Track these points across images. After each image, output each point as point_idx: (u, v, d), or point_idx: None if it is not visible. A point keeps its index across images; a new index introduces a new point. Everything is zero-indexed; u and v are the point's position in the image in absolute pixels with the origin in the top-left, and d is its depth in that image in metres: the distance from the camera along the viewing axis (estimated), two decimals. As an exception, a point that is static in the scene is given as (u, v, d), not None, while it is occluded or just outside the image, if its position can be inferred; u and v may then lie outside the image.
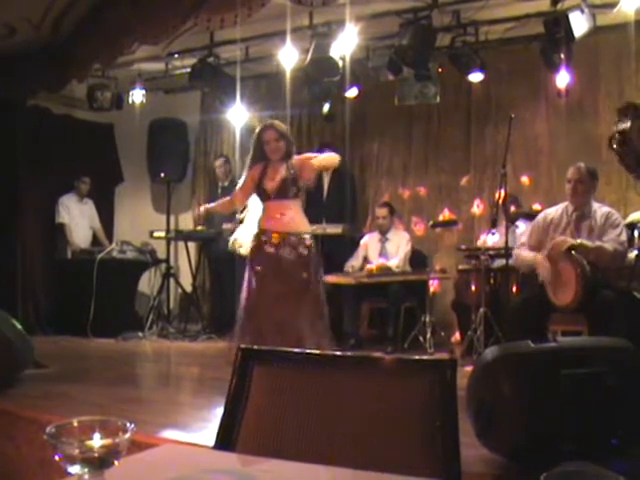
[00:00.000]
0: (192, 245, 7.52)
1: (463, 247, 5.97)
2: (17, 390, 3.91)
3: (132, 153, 7.99)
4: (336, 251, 6.18)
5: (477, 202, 6.65)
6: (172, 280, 7.26)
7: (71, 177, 7.40)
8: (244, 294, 4.13)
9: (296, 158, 4.20)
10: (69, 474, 0.90)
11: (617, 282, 4.14)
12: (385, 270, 5.98)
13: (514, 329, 4.17)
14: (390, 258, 6.12)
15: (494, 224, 4.97)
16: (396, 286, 5.79)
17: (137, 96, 7.17)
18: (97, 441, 0.91)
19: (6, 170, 6.80)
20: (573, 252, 3.89)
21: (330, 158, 4.34)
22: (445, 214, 6.74)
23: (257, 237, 4.13)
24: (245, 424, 1.43)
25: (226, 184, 7.05)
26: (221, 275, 7.19)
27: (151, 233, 7.17)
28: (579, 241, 3.97)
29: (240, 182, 4.32)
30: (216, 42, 6.30)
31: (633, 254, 4.28)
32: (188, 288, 7.33)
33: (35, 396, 3.79)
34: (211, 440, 1.46)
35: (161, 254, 7.31)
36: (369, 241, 6.32)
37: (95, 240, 7.57)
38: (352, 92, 6.40)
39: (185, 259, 7.40)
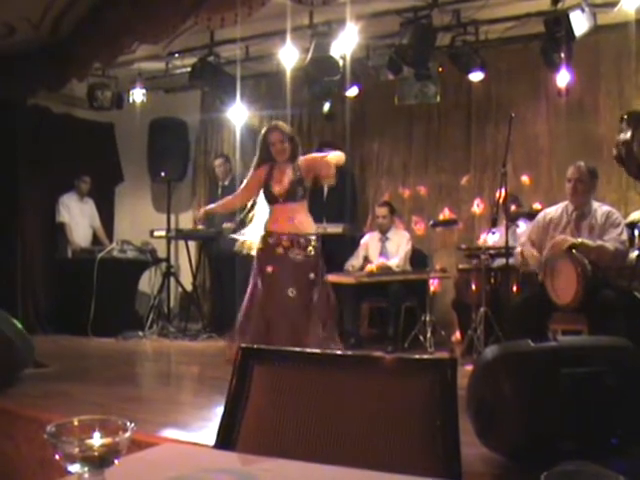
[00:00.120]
0: (192, 244, 7.52)
1: (463, 246, 5.97)
2: (17, 389, 3.91)
3: (132, 152, 7.99)
4: (336, 250, 6.17)
5: (477, 201, 6.65)
6: (172, 279, 7.26)
7: (71, 176, 7.40)
8: (247, 295, 4.15)
9: (302, 159, 4.23)
10: (69, 473, 0.90)
11: (617, 281, 4.14)
12: (385, 269, 5.98)
13: (514, 328, 4.17)
14: (390, 257, 6.12)
15: (494, 223, 4.97)
16: (396, 285, 5.79)
17: (137, 95, 7.17)
18: (97, 440, 0.91)
19: (6, 170, 6.79)
20: (574, 251, 3.89)
21: (339, 155, 4.37)
22: (445, 213, 6.74)
23: (264, 239, 4.16)
24: (245, 423, 1.43)
25: (226, 183, 7.06)
26: (221, 274, 7.19)
27: (151, 232, 7.17)
28: (580, 240, 3.97)
29: (245, 181, 4.34)
30: (216, 41, 6.29)
31: (634, 254, 4.28)
32: (188, 287, 7.33)
33: (35, 395, 3.80)
34: (211, 439, 1.46)
35: (161, 253, 7.31)
36: (369, 240, 6.32)
37: (95, 239, 7.57)
38: (352, 91, 6.39)
39: (185, 258, 7.40)
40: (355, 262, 6.22)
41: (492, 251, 5.41)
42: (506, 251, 4.73)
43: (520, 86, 6.38)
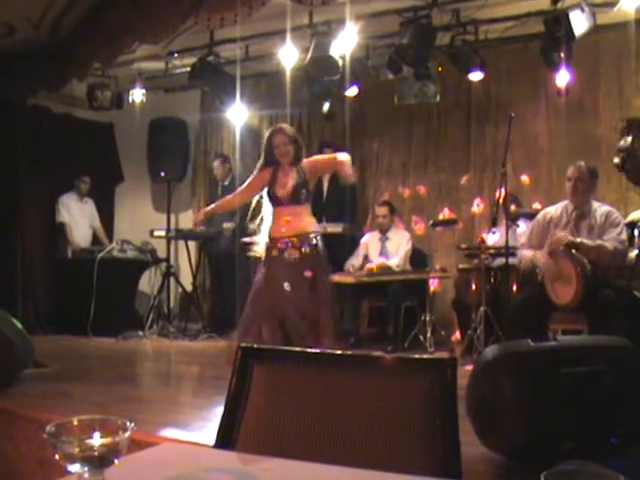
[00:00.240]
0: (192, 244, 7.52)
1: (463, 246, 5.97)
2: (17, 389, 3.91)
3: (132, 152, 7.99)
4: (336, 250, 6.16)
5: (477, 201, 6.65)
6: (172, 279, 7.26)
7: (71, 176, 7.40)
8: (249, 298, 4.18)
9: (306, 161, 4.26)
10: (69, 473, 0.90)
11: (617, 281, 4.14)
12: (385, 269, 5.98)
13: (514, 328, 4.17)
14: (390, 257, 6.12)
15: (494, 223, 4.97)
16: (396, 285, 5.79)
17: (137, 95, 7.17)
18: (97, 440, 0.91)
19: (6, 169, 6.79)
20: (574, 251, 3.89)
21: (347, 155, 4.41)
22: (445, 213, 6.74)
23: (267, 244, 4.20)
24: (245, 423, 1.44)
25: (226, 183, 7.05)
26: (221, 274, 7.20)
27: (151, 232, 7.17)
28: (579, 240, 3.97)
29: (248, 180, 4.36)
30: (216, 41, 6.29)
31: (633, 253, 4.28)
32: (188, 287, 7.33)
33: (35, 395, 3.80)
34: (211, 439, 1.46)
35: (161, 253, 7.31)
36: (369, 240, 6.32)
37: (95, 239, 7.57)
38: (352, 91, 6.39)
39: (185, 258, 7.40)
40: (355, 262, 6.22)
41: (492, 250, 5.42)
42: (506, 251, 4.73)
43: (520, 86, 6.38)
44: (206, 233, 6.93)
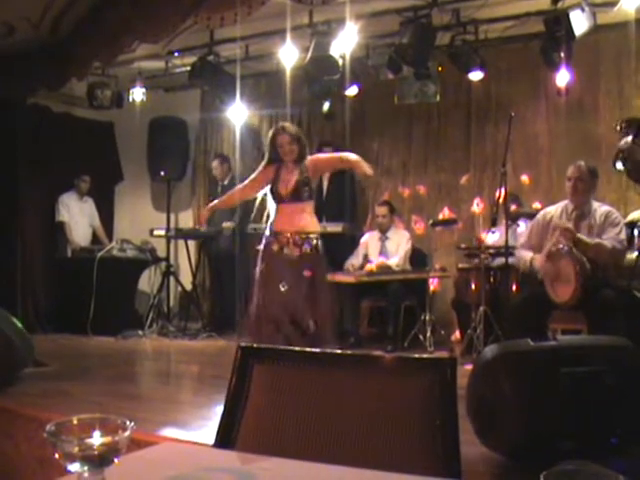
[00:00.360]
0: (192, 243, 7.52)
1: (463, 246, 5.97)
2: (17, 388, 3.91)
3: (132, 151, 7.99)
4: (336, 250, 6.17)
5: (477, 201, 6.64)
6: (172, 278, 7.26)
7: (71, 176, 7.40)
8: (252, 298, 4.20)
9: (310, 159, 4.30)
10: (69, 472, 0.89)
11: (617, 281, 4.14)
12: (385, 269, 5.98)
13: (514, 327, 4.17)
14: (390, 257, 6.12)
15: (494, 223, 4.97)
16: (396, 285, 5.79)
17: (137, 94, 7.17)
18: (97, 439, 0.91)
19: (6, 169, 6.79)
20: (573, 249, 3.90)
21: (352, 154, 4.49)
22: (445, 213, 6.73)
23: (266, 239, 4.20)
24: (245, 422, 1.44)
25: (226, 183, 7.05)
26: (221, 273, 7.20)
27: (151, 231, 7.17)
28: (578, 235, 3.98)
29: (252, 175, 4.40)
30: (216, 40, 6.29)
31: (634, 254, 4.28)
32: (188, 286, 7.33)
33: (35, 394, 3.80)
34: (211, 438, 1.46)
35: (161, 252, 7.31)
36: (369, 240, 6.32)
37: (95, 238, 7.57)
38: (352, 90, 6.39)
39: (185, 257, 7.40)
40: (355, 261, 6.22)
41: (492, 250, 5.42)
42: (506, 251, 4.73)
43: (520, 85, 6.37)
44: (206, 232, 6.93)
